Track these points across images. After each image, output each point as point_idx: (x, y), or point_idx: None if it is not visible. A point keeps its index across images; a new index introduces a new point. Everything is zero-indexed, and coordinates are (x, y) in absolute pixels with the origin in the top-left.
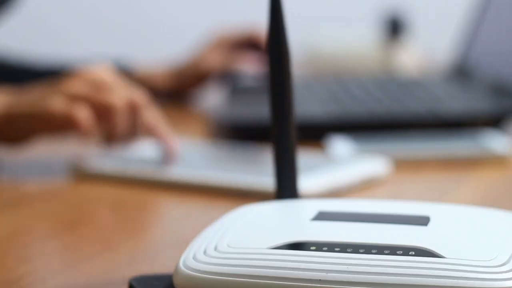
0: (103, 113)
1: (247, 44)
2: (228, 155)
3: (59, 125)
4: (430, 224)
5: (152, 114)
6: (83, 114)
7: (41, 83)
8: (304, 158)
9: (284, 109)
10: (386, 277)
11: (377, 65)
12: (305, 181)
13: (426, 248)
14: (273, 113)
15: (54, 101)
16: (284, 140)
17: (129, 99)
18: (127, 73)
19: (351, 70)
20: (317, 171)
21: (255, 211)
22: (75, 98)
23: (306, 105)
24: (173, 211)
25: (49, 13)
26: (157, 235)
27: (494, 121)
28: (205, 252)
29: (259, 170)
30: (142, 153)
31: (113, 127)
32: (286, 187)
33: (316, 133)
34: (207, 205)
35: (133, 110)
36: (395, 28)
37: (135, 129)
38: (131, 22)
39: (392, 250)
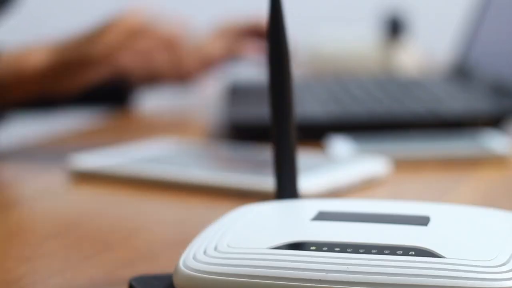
0: (145, 57)
1: (251, 33)
2: (228, 155)
3: (102, 69)
4: (430, 224)
5: (187, 47)
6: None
7: (83, 30)
8: (304, 158)
9: (284, 109)
10: (386, 277)
11: (377, 65)
12: (305, 181)
13: (426, 248)
14: (273, 113)
15: (96, 47)
16: (284, 140)
17: (165, 37)
18: None
19: (351, 70)
20: (317, 171)
21: (255, 211)
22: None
23: (306, 105)
24: (173, 211)
25: (49, 13)
26: (157, 235)
27: (494, 121)
28: (205, 252)
29: (259, 170)
30: (142, 152)
31: (159, 64)
32: (286, 187)
33: (316, 133)
34: (207, 205)
35: (170, 47)
36: (395, 28)
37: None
38: None
39: (392, 250)
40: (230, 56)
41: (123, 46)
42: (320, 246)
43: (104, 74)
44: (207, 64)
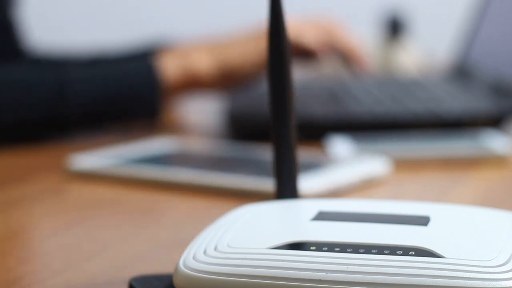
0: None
1: (339, 53)
2: (228, 155)
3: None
4: (430, 224)
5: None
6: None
7: (240, 33)
8: (304, 158)
9: (284, 109)
10: (386, 277)
11: (377, 65)
12: (305, 181)
13: (426, 248)
14: (273, 113)
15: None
16: (284, 140)
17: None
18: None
19: (351, 70)
20: (317, 171)
21: (255, 211)
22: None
23: (306, 105)
24: (173, 211)
25: (52, 4)
26: (157, 235)
27: (494, 121)
28: (205, 252)
29: (259, 170)
30: (142, 152)
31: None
32: (286, 187)
33: (316, 133)
34: (207, 205)
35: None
36: (395, 28)
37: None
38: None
39: (392, 250)
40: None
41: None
42: (320, 246)
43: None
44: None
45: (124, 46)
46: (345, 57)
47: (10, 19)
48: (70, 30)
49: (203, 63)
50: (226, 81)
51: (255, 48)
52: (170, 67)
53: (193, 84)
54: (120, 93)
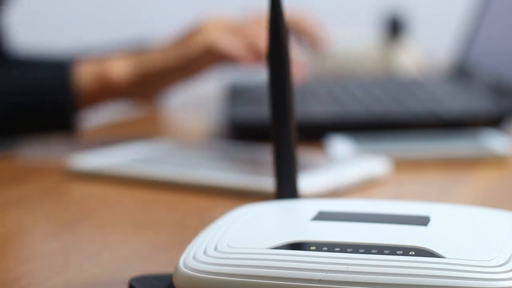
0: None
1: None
2: (228, 155)
3: (219, 58)
4: (430, 224)
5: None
6: (235, 44)
7: (169, 42)
8: (304, 158)
9: (284, 109)
10: (386, 277)
11: (377, 65)
12: (305, 181)
13: (426, 248)
14: (273, 113)
15: (210, 35)
16: (284, 140)
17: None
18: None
19: (351, 70)
20: (317, 171)
21: (255, 211)
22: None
23: (306, 105)
24: (172, 211)
25: (42, 5)
26: (157, 235)
27: (494, 121)
28: (205, 252)
29: (259, 170)
30: (142, 152)
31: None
32: (286, 187)
33: (316, 133)
34: (207, 205)
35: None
36: (395, 28)
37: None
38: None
39: (392, 250)
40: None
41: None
42: (320, 246)
43: (187, 79)
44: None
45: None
46: (305, 37)
47: None
48: (57, 31)
49: (119, 69)
50: (144, 88)
51: (175, 53)
52: (84, 74)
53: (109, 92)
54: (26, 100)
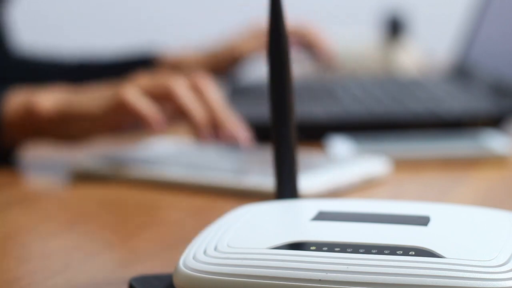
0: (167, 100)
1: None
2: (228, 155)
3: (126, 114)
4: (430, 224)
5: (214, 95)
6: (149, 105)
7: (100, 83)
8: (304, 158)
9: (284, 109)
10: (386, 277)
11: (377, 65)
12: (305, 181)
13: (426, 248)
14: (273, 113)
15: (126, 91)
16: (284, 140)
17: (190, 81)
18: (155, 59)
19: (351, 70)
20: (317, 171)
21: (255, 211)
22: (143, 91)
23: (306, 105)
24: (173, 211)
25: (48, 5)
26: (157, 235)
27: (494, 121)
28: (205, 252)
29: (259, 170)
30: (142, 152)
31: (184, 110)
32: (286, 187)
33: (316, 133)
34: (207, 205)
35: (196, 90)
36: (395, 28)
37: (207, 107)
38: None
39: (392, 250)
40: (259, 52)
41: (148, 91)
42: (320, 246)
43: (127, 121)
44: (236, 61)
45: (116, 52)
46: (313, 53)
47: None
48: (60, 32)
49: (46, 102)
50: (66, 128)
51: (94, 100)
52: (13, 103)
53: (33, 126)
54: None
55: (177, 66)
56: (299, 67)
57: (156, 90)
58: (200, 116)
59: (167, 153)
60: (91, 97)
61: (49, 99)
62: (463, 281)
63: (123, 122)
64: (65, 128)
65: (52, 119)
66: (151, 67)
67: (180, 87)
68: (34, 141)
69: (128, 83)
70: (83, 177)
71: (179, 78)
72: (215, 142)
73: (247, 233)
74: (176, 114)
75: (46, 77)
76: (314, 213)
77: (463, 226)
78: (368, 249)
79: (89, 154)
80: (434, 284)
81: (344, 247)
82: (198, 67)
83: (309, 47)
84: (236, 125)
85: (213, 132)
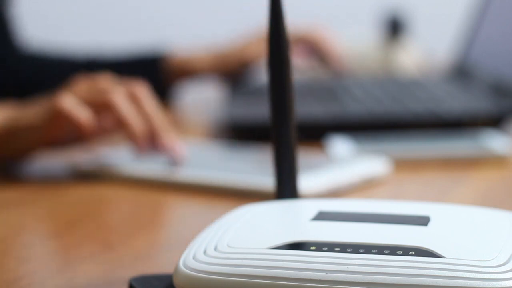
0: (105, 110)
1: (295, 43)
2: (228, 155)
3: (63, 122)
4: (430, 224)
5: (151, 105)
6: (86, 114)
7: (42, 96)
8: (304, 158)
9: (284, 109)
10: (386, 277)
11: (377, 65)
12: (305, 181)
13: (426, 248)
14: (273, 113)
15: (62, 99)
16: (284, 140)
17: (128, 90)
18: (163, 58)
19: (351, 70)
20: (317, 171)
21: (255, 211)
22: (80, 100)
23: (306, 105)
24: (173, 211)
25: (58, 2)
26: (157, 235)
27: (494, 121)
28: (205, 252)
29: (259, 170)
30: (141, 153)
31: (122, 120)
32: (286, 187)
33: (316, 133)
34: (207, 205)
35: (134, 100)
36: (395, 28)
37: (145, 118)
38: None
39: (392, 250)
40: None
41: (85, 100)
42: (320, 246)
43: (62, 128)
44: (245, 65)
45: (125, 50)
46: (322, 57)
47: (5, 15)
48: (68, 29)
49: None
50: (13, 143)
51: (35, 111)
52: None
53: None
54: None
55: (185, 66)
56: (309, 72)
57: (94, 100)
58: (138, 127)
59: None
60: (33, 111)
61: None
62: (463, 281)
63: (61, 132)
64: (12, 144)
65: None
66: (159, 66)
67: (118, 97)
68: None
69: (66, 92)
70: (83, 177)
71: (117, 87)
72: (152, 152)
73: (247, 233)
74: (114, 124)
75: (54, 73)
76: (314, 213)
77: (463, 226)
78: (368, 249)
79: (89, 154)
80: (434, 284)
81: (344, 247)
82: (205, 68)
83: (318, 53)
84: (172, 137)
85: (150, 142)
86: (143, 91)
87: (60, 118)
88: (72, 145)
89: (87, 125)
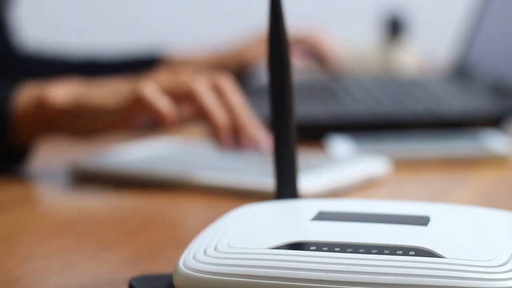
0: (188, 101)
1: (294, 45)
2: (228, 155)
3: (143, 109)
4: (430, 224)
5: (236, 98)
6: (167, 103)
7: (116, 78)
8: (304, 158)
9: (284, 109)
10: (386, 277)
11: (377, 65)
12: (305, 181)
13: (426, 248)
14: (273, 113)
15: (144, 86)
16: (284, 140)
17: (212, 82)
18: (162, 59)
19: (351, 70)
20: (317, 171)
21: (255, 211)
22: (163, 89)
23: (306, 105)
24: (173, 211)
25: (55, 3)
26: (157, 235)
27: (494, 121)
28: (205, 252)
29: (259, 170)
30: (142, 152)
31: (205, 111)
32: (286, 187)
33: (316, 133)
34: (207, 205)
35: (217, 91)
36: (395, 28)
37: (229, 110)
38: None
39: (392, 250)
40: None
41: (167, 90)
42: (320, 246)
43: (142, 116)
44: (245, 67)
45: (123, 51)
46: (321, 58)
47: (4, 16)
48: (68, 29)
49: (58, 95)
50: (80, 122)
51: (111, 93)
52: (23, 97)
53: (46, 119)
54: None
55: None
56: (308, 74)
57: (177, 89)
58: (222, 120)
59: (167, 153)
60: (107, 91)
61: (61, 91)
62: (463, 281)
63: (139, 119)
64: (79, 122)
65: (65, 112)
66: (158, 66)
67: (202, 88)
68: (47, 136)
69: (148, 79)
70: (82, 177)
71: (201, 78)
72: (235, 148)
73: (247, 233)
74: (196, 115)
75: (53, 74)
76: (314, 213)
77: (463, 226)
78: (368, 249)
79: (89, 154)
80: (434, 284)
81: (344, 247)
82: (204, 69)
83: (317, 55)
84: (257, 129)
85: (233, 136)
86: (228, 83)
87: (140, 104)
88: (147, 131)
89: (168, 115)
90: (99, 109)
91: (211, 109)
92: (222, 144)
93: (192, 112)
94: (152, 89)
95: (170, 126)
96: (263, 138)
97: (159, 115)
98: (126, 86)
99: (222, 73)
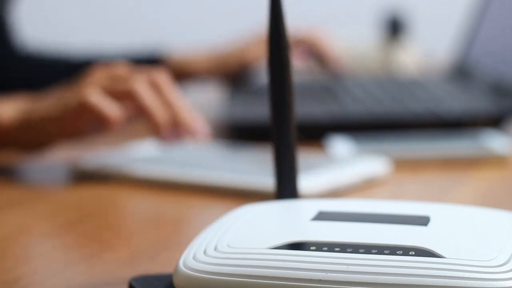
0: (128, 99)
1: (294, 45)
2: (228, 155)
3: (89, 115)
4: (430, 224)
5: (173, 92)
6: (113, 107)
7: (58, 88)
8: (304, 158)
9: (284, 109)
10: (386, 277)
11: (377, 65)
12: (305, 181)
13: (426, 248)
14: (273, 113)
15: (87, 92)
16: (284, 140)
17: (149, 78)
18: (162, 59)
19: (351, 70)
20: (317, 171)
21: (255, 211)
22: (104, 91)
23: (306, 105)
24: (173, 211)
25: (54, 2)
26: (157, 235)
27: (494, 121)
28: (205, 252)
29: (259, 170)
30: (142, 153)
31: (145, 109)
32: (286, 187)
33: (316, 133)
34: (207, 205)
35: (155, 88)
36: (395, 28)
37: (168, 106)
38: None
39: (392, 250)
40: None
41: (107, 91)
42: (320, 246)
43: (88, 122)
44: (245, 67)
45: (123, 51)
46: (321, 58)
47: (4, 16)
48: (68, 29)
49: (5, 113)
50: (29, 136)
51: (55, 103)
52: None
53: None
54: None
55: (184, 67)
56: (308, 73)
57: (117, 89)
58: (162, 117)
59: (167, 153)
60: (51, 102)
61: (9, 109)
62: (463, 281)
63: (85, 124)
64: (26, 137)
65: (13, 128)
66: (158, 67)
67: (141, 87)
68: None
69: (88, 83)
70: (83, 177)
71: (139, 75)
72: (175, 142)
73: (247, 233)
74: (136, 113)
75: (52, 74)
76: (314, 213)
77: (463, 226)
78: (368, 249)
79: (89, 154)
80: (434, 284)
81: (344, 247)
82: (205, 70)
83: (318, 55)
84: (194, 120)
85: (173, 130)
86: (164, 78)
87: (85, 110)
88: (93, 137)
89: (113, 116)
90: (45, 120)
91: (151, 108)
92: (163, 139)
93: (132, 110)
94: (94, 93)
95: (116, 127)
96: (200, 127)
97: (104, 118)
98: (69, 94)
99: (158, 69)
